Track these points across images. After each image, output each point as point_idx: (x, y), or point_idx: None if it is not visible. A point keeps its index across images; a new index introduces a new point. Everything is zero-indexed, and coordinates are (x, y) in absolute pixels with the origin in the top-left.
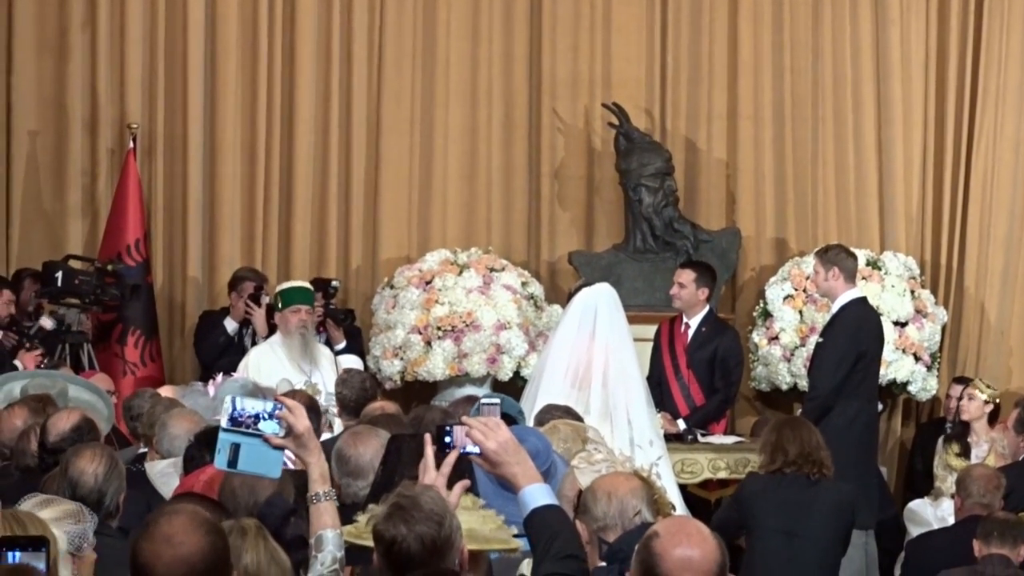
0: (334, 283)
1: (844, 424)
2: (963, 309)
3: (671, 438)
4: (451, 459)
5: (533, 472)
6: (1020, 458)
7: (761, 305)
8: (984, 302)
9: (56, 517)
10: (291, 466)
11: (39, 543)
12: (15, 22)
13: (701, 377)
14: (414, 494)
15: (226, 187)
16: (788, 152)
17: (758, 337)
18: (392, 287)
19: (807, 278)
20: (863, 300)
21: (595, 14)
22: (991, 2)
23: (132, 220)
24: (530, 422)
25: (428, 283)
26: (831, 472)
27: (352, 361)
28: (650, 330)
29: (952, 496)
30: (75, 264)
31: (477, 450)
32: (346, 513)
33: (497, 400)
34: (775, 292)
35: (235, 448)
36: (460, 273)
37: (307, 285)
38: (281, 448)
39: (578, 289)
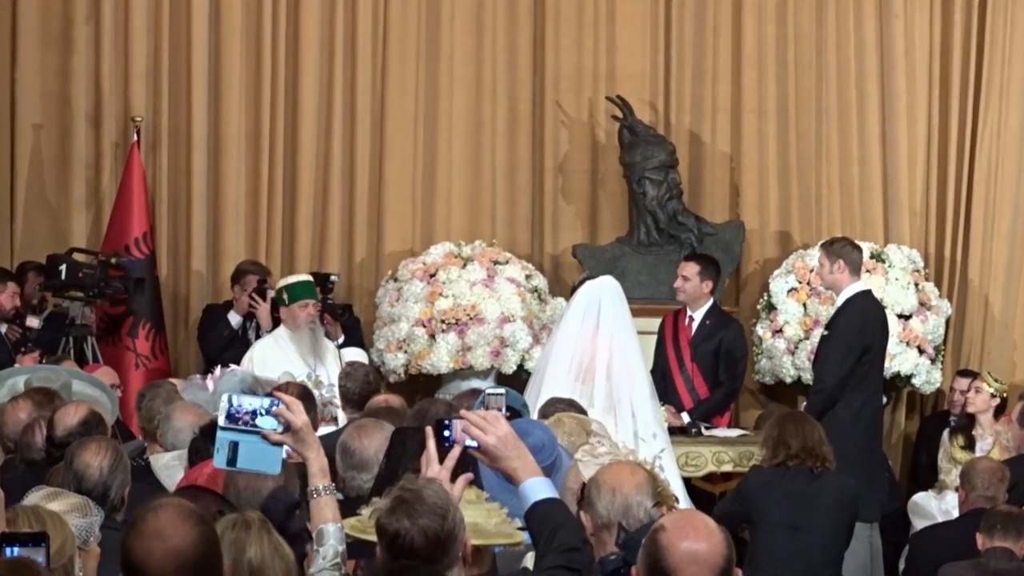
0: (332, 277)
1: (849, 417)
2: (967, 302)
3: (675, 431)
4: (455, 453)
5: (533, 466)
6: None
7: (765, 298)
8: (988, 295)
9: (63, 511)
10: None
11: (38, 538)
12: (19, 15)
13: (705, 370)
14: (417, 487)
15: (230, 180)
16: (792, 145)
17: (762, 330)
18: (396, 280)
19: (811, 271)
20: (868, 293)
21: (599, 7)
22: None
23: (137, 214)
24: (534, 415)
25: (432, 276)
26: (833, 466)
27: (356, 354)
28: (654, 323)
29: (956, 489)
30: (79, 257)
31: (476, 444)
32: (350, 506)
33: (502, 390)
34: (779, 285)
35: (233, 446)
36: (464, 266)
37: (309, 279)
38: (280, 444)
39: (582, 282)
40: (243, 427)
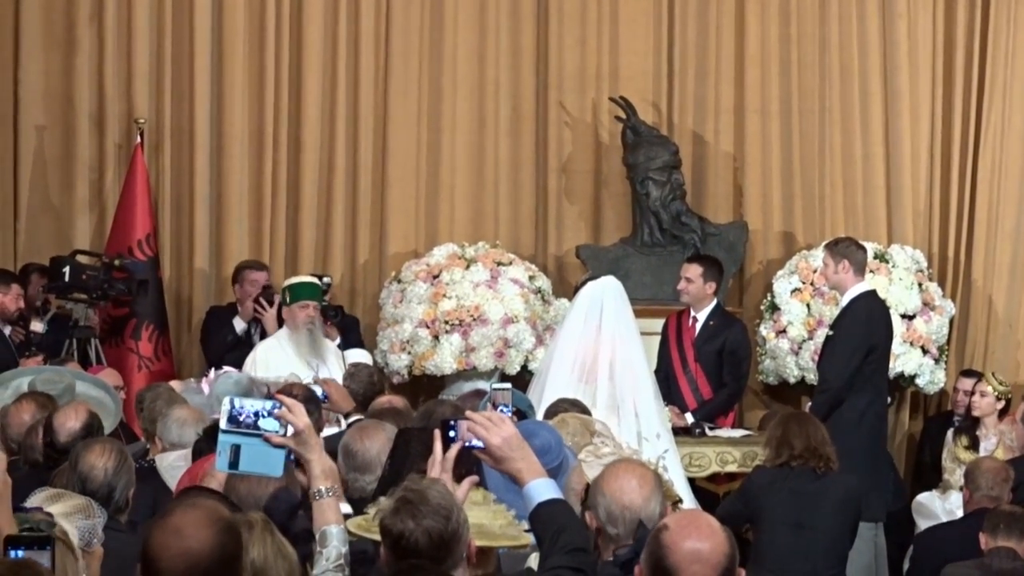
0: (325, 279)
1: (855, 417)
2: (971, 302)
3: (679, 431)
4: (451, 454)
5: (537, 467)
6: None
7: (769, 298)
8: (992, 295)
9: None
10: None
11: (44, 542)
12: (22, 16)
13: (709, 371)
14: (421, 488)
15: (233, 181)
16: (795, 145)
17: (766, 330)
18: (399, 281)
19: (815, 271)
20: (873, 293)
21: (602, 8)
22: None
23: (141, 215)
24: (539, 416)
25: (435, 277)
26: (837, 466)
27: (360, 355)
28: (658, 323)
29: (960, 489)
30: (82, 259)
31: (481, 444)
32: (354, 508)
33: (508, 385)
34: (783, 285)
35: (235, 449)
36: (468, 267)
37: (313, 280)
38: (282, 447)
39: (584, 283)
40: (245, 430)
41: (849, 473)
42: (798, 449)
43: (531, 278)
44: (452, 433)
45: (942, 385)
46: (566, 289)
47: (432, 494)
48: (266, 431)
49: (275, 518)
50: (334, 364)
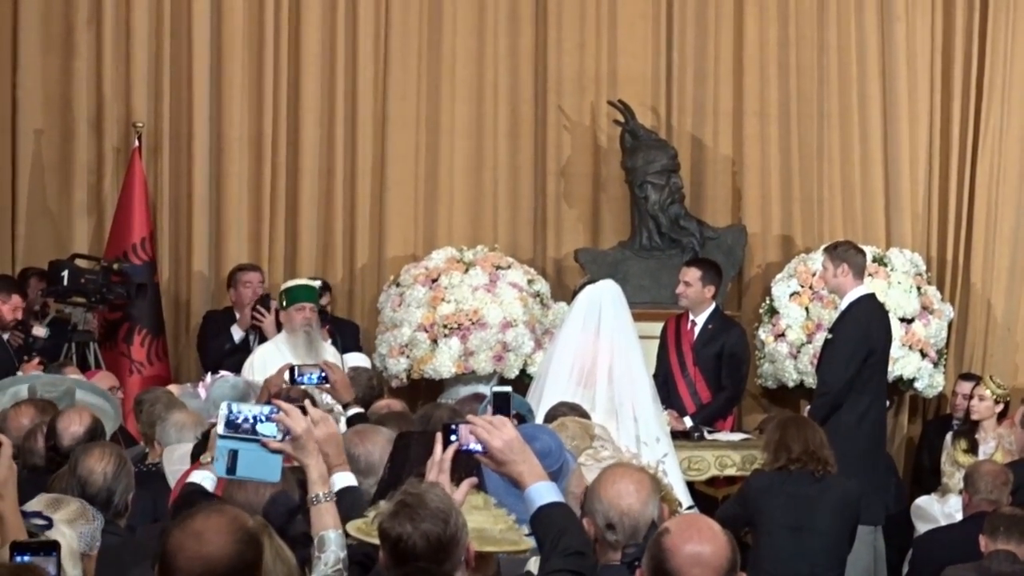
0: (316, 282)
1: (854, 420)
2: (969, 305)
3: (678, 435)
4: (448, 455)
5: (539, 470)
6: None
7: (767, 302)
8: (991, 298)
9: (70, 519)
10: None
11: (50, 548)
12: (20, 20)
13: (708, 374)
14: (420, 491)
15: (232, 185)
16: (794, 149)
17: (764, 334)
18: (398, 285)
19: (813, 275)
20: (872, 296)
21: (601, 11)
22: None
23: (138, 219)
24: (539, 421)
25: (434, 281)
26: (835, 470)
27: (359, 359)
28: (656, 327)
29: (959, 492)
30: (81, 263)
31: (481, 448)
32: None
33: (508, 389)
34: (781, 289)
35: (233, 454)
36: (466, 271)
37: (311, 282)
38: (279, 452)
39: (583, 286)
40: (243, 435)
41: (848, 476)
42: (796, 452)
43: (530, 282)
44: (453, 437)
45: (941, 388)
46: (565, 293)
47: (430, 497)
48: (264, 436)
49: (273, 521)
50: None
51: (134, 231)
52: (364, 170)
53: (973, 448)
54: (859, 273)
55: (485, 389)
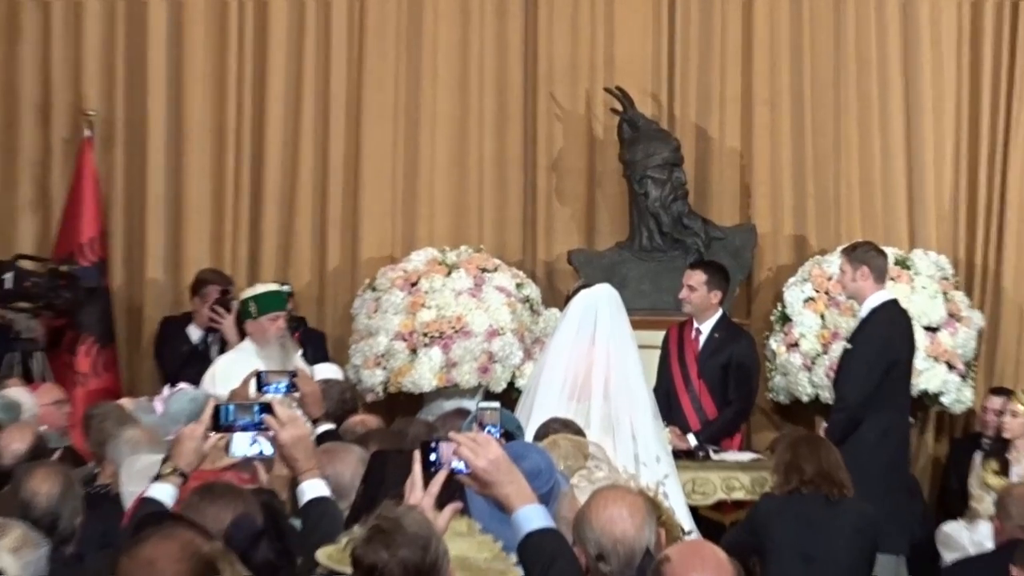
0: (286, 288)
1: (876, 438)
2: (1001, 312)
3: (681, 455)
4: (440, 478)
5: (528, 492)
6: None
7: (779, 309)
8: (1023, 304)
9: (14, 547)
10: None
11: None
12: None
13: (714, 387)
14: (396, 516)
15: (191, 180)
16: (808, 141)
17: (776, 344)
18: (374, 289)
19: (830, 279)
20: (894, 302)
21: None
22: None
23: (88, 216)
24: (529, 438)
25: (414, 285)
26: (851, 493)
27: (329, 371)
28: (657, 336)
29: (990, 518)
30: (26, 264)
31: (465, 468)
32: None
33: (496, 405)
34: (794, 294)
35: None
36: (449, 274)
37: (281, 288)
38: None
39: (576, 291)
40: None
41: (868, 500)
42: (809, 474)
43: (518, 286)
44: (433, 456)
45: (969, 404)
46: (557, 298)
47: (408, 522)
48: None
49: (235, 546)
50: None
51: (83, 229)
52: (336, 164)
53: (1004, 469)
54: (880, 277)
55: (469, 404)
